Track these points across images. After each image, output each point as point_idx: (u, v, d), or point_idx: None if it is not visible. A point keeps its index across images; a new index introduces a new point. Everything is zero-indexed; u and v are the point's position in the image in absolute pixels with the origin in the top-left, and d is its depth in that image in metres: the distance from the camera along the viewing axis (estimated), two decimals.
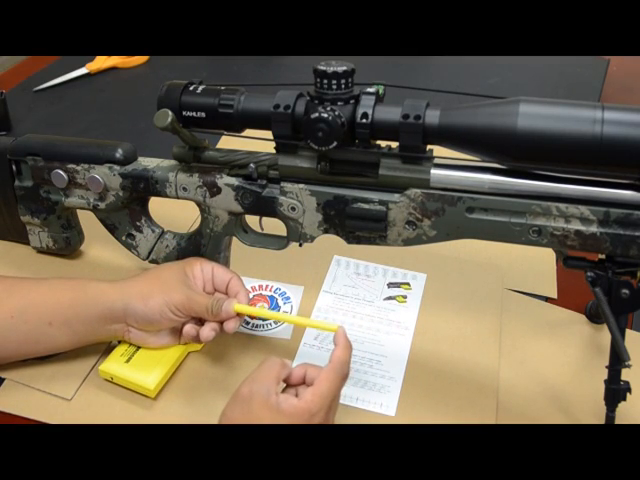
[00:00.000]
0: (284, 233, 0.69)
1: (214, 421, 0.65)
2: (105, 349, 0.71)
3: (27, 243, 0.84)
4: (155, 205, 0.77)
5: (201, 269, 0.70)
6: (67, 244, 0.82)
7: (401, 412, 0.67)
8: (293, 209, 0.67)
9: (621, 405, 0.61)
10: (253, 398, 0.56)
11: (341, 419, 0.65)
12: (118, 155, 0.73)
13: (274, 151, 0.66)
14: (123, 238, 0.78)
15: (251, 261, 0.81)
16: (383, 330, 0.75)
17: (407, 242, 0.64)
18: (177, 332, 0.69)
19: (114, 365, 0.68)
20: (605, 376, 0.61)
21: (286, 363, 0.60)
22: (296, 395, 0.59)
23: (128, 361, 0.68)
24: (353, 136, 0.61)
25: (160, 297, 0.66)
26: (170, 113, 0.64)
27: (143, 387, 0.66)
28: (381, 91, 0.61)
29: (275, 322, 0.76)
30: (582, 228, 0.58)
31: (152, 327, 0.68)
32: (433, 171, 0.61)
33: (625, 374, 0.60)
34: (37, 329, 0.66)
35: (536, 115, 0.55)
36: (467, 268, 0.83)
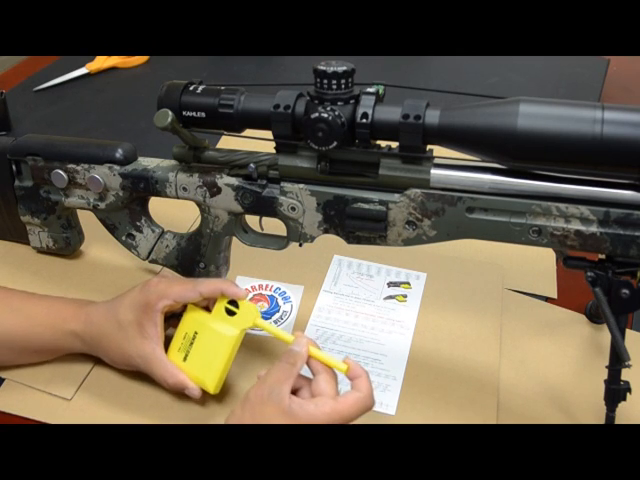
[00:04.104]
0: (284, 233, 0.69)
1: (214, 421, 0.65)
2: None
3: (27, 243, 0.84)
4: (155, 205, 0.77)
5: (162, 313, 0.65)
6: (67, 244, 0.82)
7: (401, 411, 0.67)
8: (293, 209, 0.67)
9: (621, 405, 0.61)
10: (265, 402, 0.55)
11: None
12: (118, 155, 0.73)
13: (274, 151, 0.66)
14: (123, 238, 0.78)
15: (251, 261, 0.81)
16: (383, 329, 0.75)
17: (407, 242, 0.64)
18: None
19: (177, 359, 0.66)
20: (605, 376, 0.61)
21: (297, 364, 0.58)
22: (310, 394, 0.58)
23: (185, 359, 0.65)
24: (353, 136, 0.61)
25: (122, 361, 0.67)
26: (170, 113, 0.64)
27: (204, 388, 0.65)
28: (381, 91, 0.61)
29: (275, 322, 0.76)
30: (582, 228, 0.58)
31: None
32: (433, 171, 0.61)
33: (625, 374, 0.60)
34: (22, 353, 0.69)
35: (536, 115, 0.55)
36: (467, 267, 0.83)
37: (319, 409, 0.55)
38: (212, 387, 0.64)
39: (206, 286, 0.66)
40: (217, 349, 0.65)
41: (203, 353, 0.65)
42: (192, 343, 0.66)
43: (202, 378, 0.65)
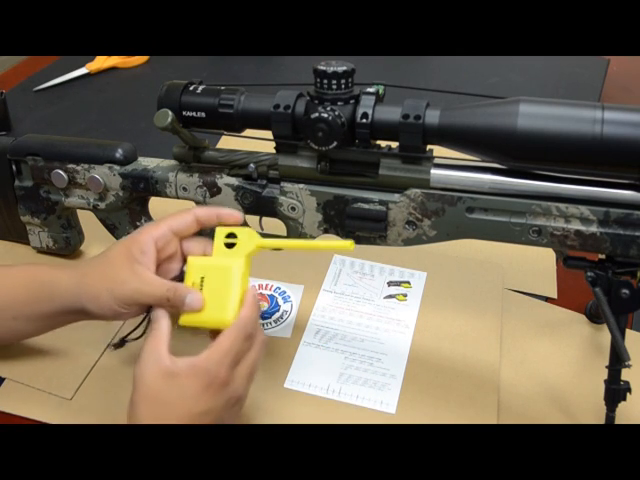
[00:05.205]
0: (284, 233, 0.69)
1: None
2: (104, 351, 0.71)
3: (27, 243, 0.84)
4: (155, 205, 0.77)
5: (152, 240, 0.60)
6: (67, 244, 0.82)
7: (401, 410, 0.67)
8: (293, 209, 0.67)
9: (621, 405, 0.61)
10: (145, 378, 0.55)
11: (341, 417, 0.65)
12: (118, 155, 0.73)
13: (274, 151, 0.66)
14: None
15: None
16: (383, 328, 0.75)
17: (407, 242, 0.64)
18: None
19: (190, 316, 0.61)
20: (605, 376, 0.61)
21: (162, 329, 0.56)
22: None
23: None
24: (353, 136, 0.61)
25: (107, 295, 0.59)
26: (170, 113, 0.64)
27: (224, 326, 0.60)
28: (381, 91, 0.61)
29: (275, 321, 0.76)
30: (582, 228, 0.58)
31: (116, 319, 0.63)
32: (433, 171, 0.61)
33: (625, 374, 0.60)
34: (1, 323, 0.64)
35: (536, 115, 0.55)
36: (467, 266, 0.83)
37: (197, 356, 0.54)
38: (231, 317, 0.59)
39: (202, 209, 0.62)
40: (227, 282, 0.61)
41: (215, 292, 0.61)
42: (201, 289, 0.62)
43: (219, 314, 0.60)
